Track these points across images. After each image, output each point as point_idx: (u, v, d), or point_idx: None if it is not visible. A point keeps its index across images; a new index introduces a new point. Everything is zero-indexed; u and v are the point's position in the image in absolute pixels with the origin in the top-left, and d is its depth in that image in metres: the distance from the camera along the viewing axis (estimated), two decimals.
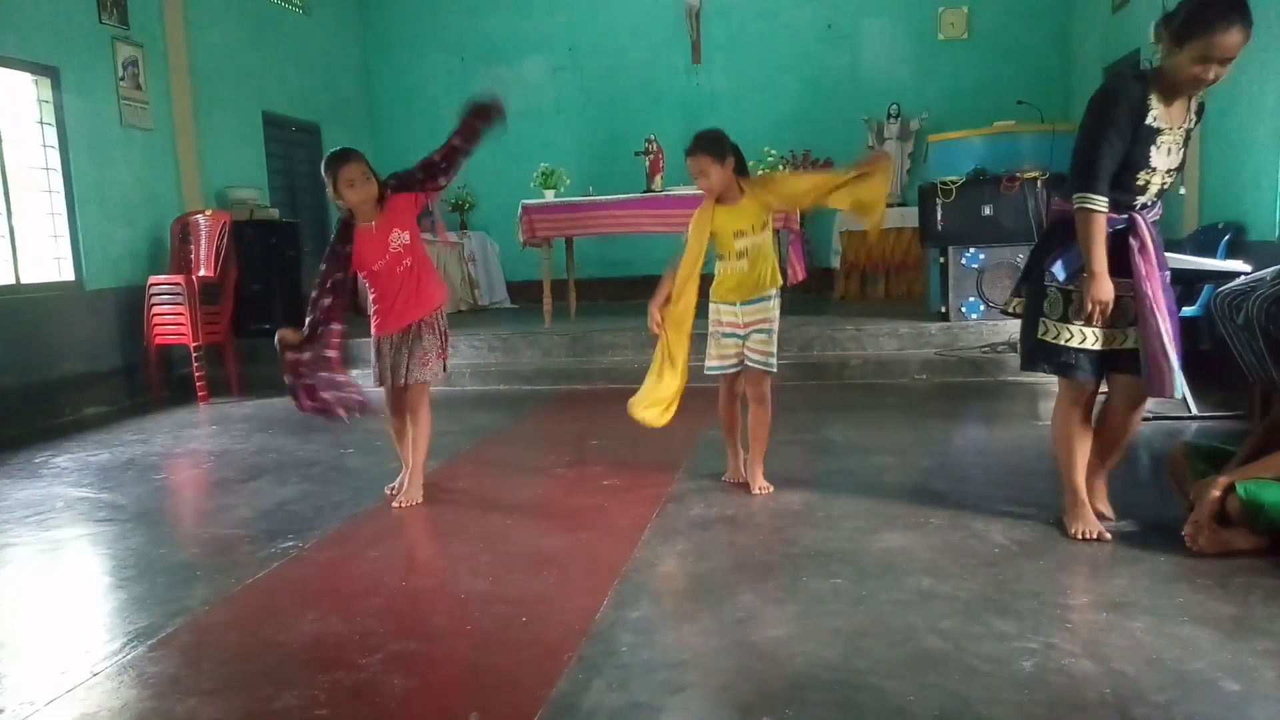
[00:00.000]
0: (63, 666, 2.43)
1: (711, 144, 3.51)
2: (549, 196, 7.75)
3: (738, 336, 3.64)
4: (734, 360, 3.67)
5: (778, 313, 3.65)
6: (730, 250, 3.58)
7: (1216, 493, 2.80)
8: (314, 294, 3.61)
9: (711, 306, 3.69)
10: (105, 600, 2.97)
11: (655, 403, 3.61)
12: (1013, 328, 6.28)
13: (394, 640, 2.50)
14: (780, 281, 3.66)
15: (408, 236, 3.62)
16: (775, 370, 3.65)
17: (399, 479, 3.87)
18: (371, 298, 3.70)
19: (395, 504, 3.73)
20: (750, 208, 3.57)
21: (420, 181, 3.66)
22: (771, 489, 3.69)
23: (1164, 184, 2.91)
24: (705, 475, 3.99)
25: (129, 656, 2.47)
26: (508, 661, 2.36)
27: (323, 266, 3.62)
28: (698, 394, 5.87)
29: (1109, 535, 3.00)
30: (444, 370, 3.77)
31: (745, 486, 3.75)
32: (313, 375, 3.56)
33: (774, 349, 3.63)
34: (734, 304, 3.62)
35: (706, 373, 3.73)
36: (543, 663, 2.33)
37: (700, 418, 5.12)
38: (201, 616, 2.74)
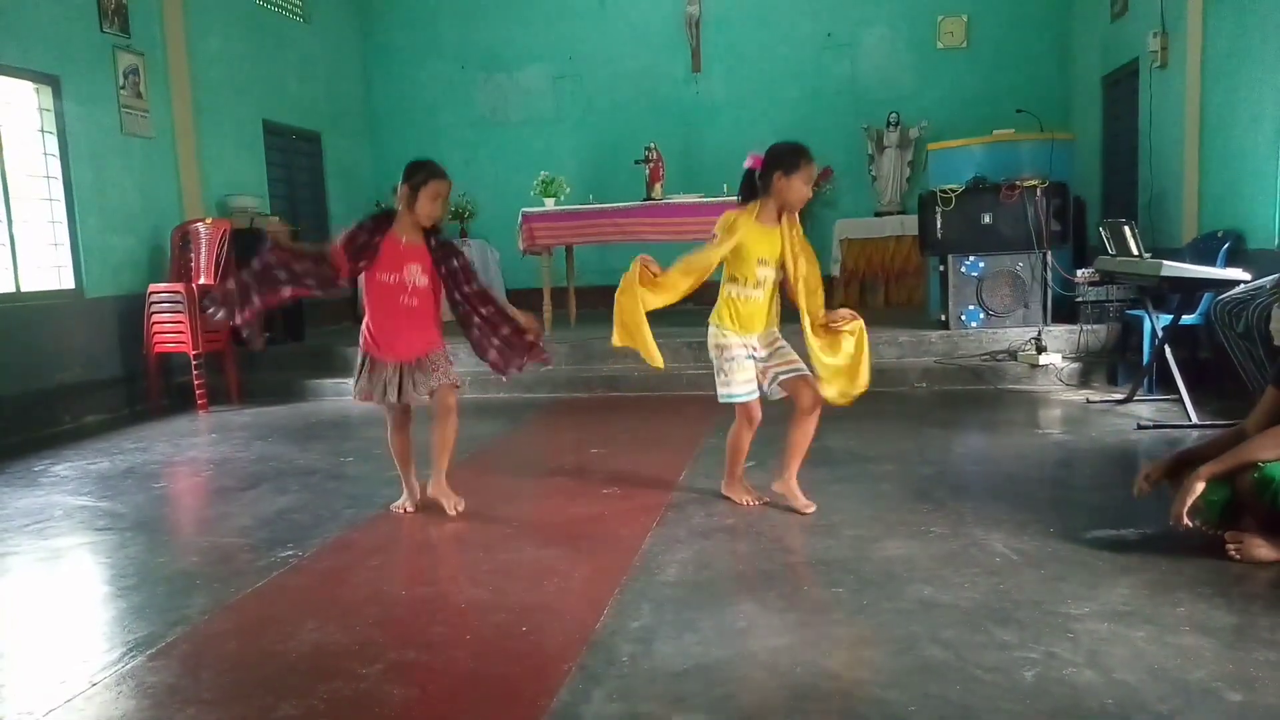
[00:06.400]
0: (61, 676, 2.42)
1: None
2: (549, 204, 7.75)
3: (757, 359, 3.50)
4: (756, 384, 3.51)
5: None
6: (750, 275, 3.42)
7: (1200, 484, 2.85)
8: (316, 252, 3.53)
9: (722, 331, 3.49)
10: (104, 609, 2.96)
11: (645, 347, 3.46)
12: (1013, 336, 6.32)
13: (394, 650, 2.49)
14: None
15: (425, 281, 3.57)
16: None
17: (402, 500, 3.80)
18: (367, 311, 3.63)
19: (451, 513, 3.67)
20: (778, 240, 3.42)
21: (448, 262, 3.62)
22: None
23: None
24: (706, 484, 3.98)
25: (128, 666, 2.47)
26: (508, 671, 2.36)
27: (340, 239, 3.51)
28: (695, 402, 5.88)
29: None
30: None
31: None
32: (261, 279, 3.46)
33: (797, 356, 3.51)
34: (752, 335, 3.48)
35: (732, 400, 3.51)
36: (543, 672, 2.32)
37: (701, 426, 5.11)
38: (201, 626, 2.73)
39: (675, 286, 3.40)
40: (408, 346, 3.61)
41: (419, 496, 3.80)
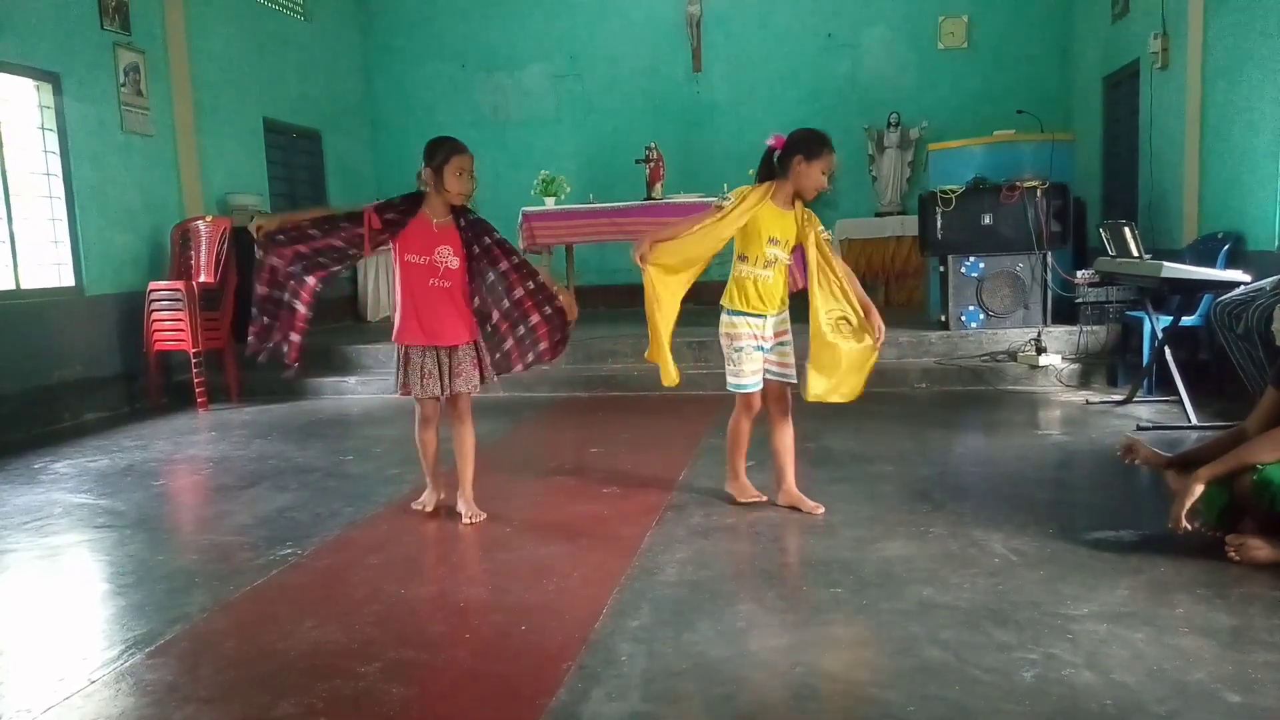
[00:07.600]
0: (61, 673, 2.43)
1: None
2: (549, 204, 7.75)
3: (763, 350, 3.51)
4: (761, 376, 3.52)
5: None
6: (759, 255, 3.42)
7: (1199, 487, 2.85)
8: (325, 219, 3.47)
9: (732, 319, 3.50)
10: (103, 607, 2.96)
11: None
12: (1013, 337, 6.32)
13: (393, 648, 2.49)
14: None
15: (457, 263, 3.51)
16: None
17: (424, 496, 3.78)
18: (399, 296, 3.56)
19: (466, 521, 3.61)
20: (793, 223, 3.44)
21: (480, 240, 3.55)
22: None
23: None
24: (705, 484, 3.98)
25: (127, 664, 2.47)
26: (507, 670, 2.36)
27: (373, 205, 3.46)
28: (695, 402, 5.87)
29: None
30: (482, 381, 3.65)
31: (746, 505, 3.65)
32: (278, 295, 3.43)
33: (793, 361, 3.54)
34: (764, 316, 3.48)
35: (739, 389, 3.53)
36: (542, 671, 2.32)
37: (700, 426, 5.11)
38: (200, 624, 2.73)
39: (690, 250, 3.45)
40: (445, 330, 3.53)
41: (441, 496, 3.78)
